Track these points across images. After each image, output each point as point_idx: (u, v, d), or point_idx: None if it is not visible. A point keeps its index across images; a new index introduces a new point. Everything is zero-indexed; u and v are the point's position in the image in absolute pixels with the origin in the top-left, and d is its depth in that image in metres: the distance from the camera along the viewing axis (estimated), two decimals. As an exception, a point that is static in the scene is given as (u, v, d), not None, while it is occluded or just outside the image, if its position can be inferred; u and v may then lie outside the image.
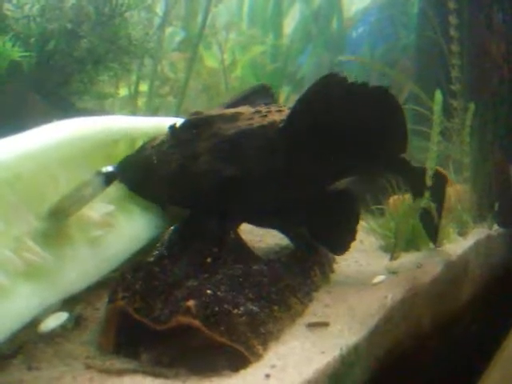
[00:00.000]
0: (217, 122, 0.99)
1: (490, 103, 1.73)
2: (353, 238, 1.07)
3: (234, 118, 1.00)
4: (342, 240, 1.08)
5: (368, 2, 2.55)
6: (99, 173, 0.86)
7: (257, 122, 0.98)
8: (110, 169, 0.87)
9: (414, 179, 1.14)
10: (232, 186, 0.96)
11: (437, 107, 1.23)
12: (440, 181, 1.18)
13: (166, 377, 0.75)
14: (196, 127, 0.99)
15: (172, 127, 1.00)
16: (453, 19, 1.51)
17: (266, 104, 1.05)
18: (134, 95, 2.12)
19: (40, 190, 0.84)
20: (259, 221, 1.09)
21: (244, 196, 0.99)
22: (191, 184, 0.97)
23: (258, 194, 0.99)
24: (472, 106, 1.50)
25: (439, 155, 1.42)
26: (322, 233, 1.08)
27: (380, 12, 2.49)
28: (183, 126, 1.00)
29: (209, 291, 0.81)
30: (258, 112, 1.01)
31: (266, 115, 1.00)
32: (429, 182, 1.15)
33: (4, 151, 0.81)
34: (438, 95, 1.23)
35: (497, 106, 1.75)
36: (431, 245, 1.26)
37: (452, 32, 1.53)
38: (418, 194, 1.16)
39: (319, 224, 1.07)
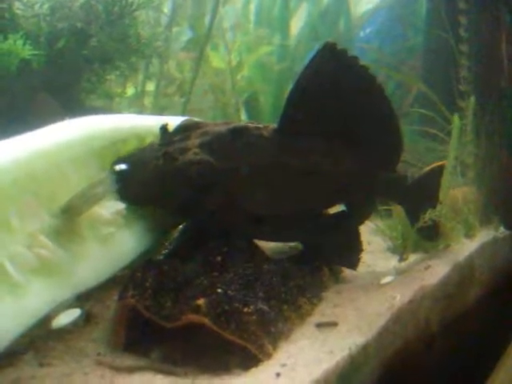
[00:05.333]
0: (208, 125, 0.99)
1: (497, 104, 1.73)
2: (360, 252, 1.08)
3: (226, 123, 1.00)
4: (351, 256, 1.08)
5: (376, 2, 2.55)
6: (111, 171, 0.86)
7: (250, 124, 0.98)
8: (122, 167, 0.87)
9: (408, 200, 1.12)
10: (223, 180, 0.93)
11: (454, 135, 1.22)
12: (434, 176, 1.16)
13: (176, 374, 0.75)
14: (187, 130, 0.97)
15: (163, 128, 0.98)
16: (462, 19, 1.51)
17: None
18: (141, 94, 2.12)
19: (52, 188, 0.84)
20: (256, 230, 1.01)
21: (238, 194, 0.94)
22: (179, 176, 0.91)
23: (251, 193, 0.95)
24: (472, 100, 1.50)
25: (444, 156, 1.42)
26: (329, 254, 1.06)
27: (388, 12, 2.48)
28: (174, 129, 0.98)
29: (219, 290, 0.81)
30: (251, 123, 1.01)
31: (259, 123, 0.99)
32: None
33: (17, 149, 0.82)
34: (457, 120, 1.22)
35: (504, 108, 1.74)
36: (439, 246, 1.26)
37: (461, 32, 1.53)
38: (413, 216, 1.14)
39: (324, 246, 1.05)
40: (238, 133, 0.95)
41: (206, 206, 0.94)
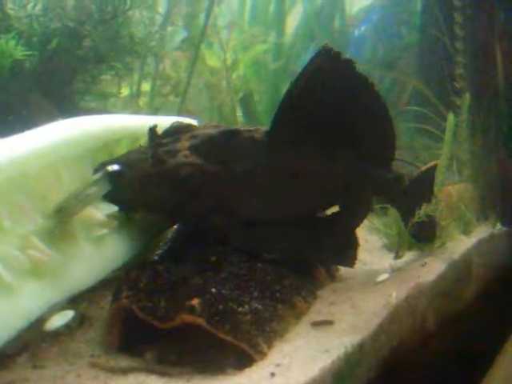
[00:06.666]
0: (198, 128, 0.98)
1: (492, 101, 1.73)
2: (356, 249, 1.05)
3: (217, 126, 0.99)
4: (347, 254, 1.05)
5: (370, 0, 2.55)
6: (104, 171, 0.86)
7: (242, 127, 0.97)
8: (115, 167, 0.87)
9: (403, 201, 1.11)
10: (214, 183, 0.91)
11: (448, 131, 1.21)
12: (428, 177, 1.15)
13: (170, 375, 0.75)
14: (176, 132, 0.95)
15: (152, 130, 0.96)
16: (458, 17, 1.51)
17: None
18: (136, 95, 2.12)
19: (45, 189, 0.84)
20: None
21: (229, 197, 0.93)
22: (169, 178, 0.89)
23: (242, 197, 0.93)
24: (467, 97, 1.49)
25: (440, 153, 1.41)
26: (325, 254, 1.04)
27: (383, 10, 2.49)
28: (164, 131, 0.97)
29: (213, 289, 0.81)
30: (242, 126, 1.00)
31: (251, 126, 0.98)
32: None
33: (9, 150, 0.81)
34: (451, 117, 1.22)
35: (500, 105, 1.74)
36: (435, 244, 1.26)
37: (456, 30, 1.53)
38: (407, 218, 1.13)
39: (320, 249, 1.02)
40: (228, 135, 0.94)
41: (196, 209, 0.93)
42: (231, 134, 0.94)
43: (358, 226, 1.08)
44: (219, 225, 0.94)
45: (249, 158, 0.93)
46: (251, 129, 0.96)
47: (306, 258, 1.02)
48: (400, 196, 1.10)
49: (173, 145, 0.93)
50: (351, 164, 1.00)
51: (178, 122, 1.01)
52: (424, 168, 1.15)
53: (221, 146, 0.93)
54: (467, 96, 1.50)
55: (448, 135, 1.23)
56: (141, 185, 0.90)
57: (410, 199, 1.11)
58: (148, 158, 0.91)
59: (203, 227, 0.96)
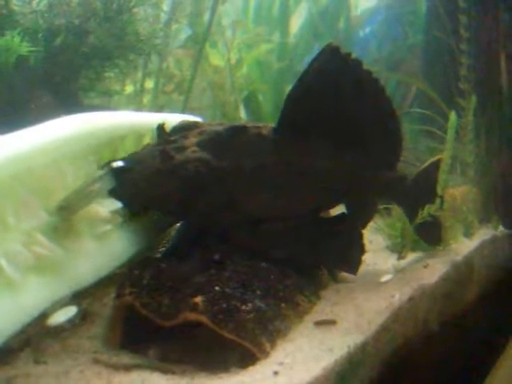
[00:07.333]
0: (206, 125, 0.98)
1: (496, 103, 1.73)
2: (362, 253, 1.03)
3: (223, 123, 0.99)
4: (351, 260, 1.03)
5: (375, 1, 2.55)
6: (109, 168, 0.86)
7: (249, 123, 0.98)
8: (119, 164, 0.87)
9: (408, 200, 1.11)
10: (221, 179, 0.91)
11: (450, 130, 1.21)
12: (431, 172, 1.15)
13: (173, 373, 0.75)
14: (184, 130, 0.95)
15: (160, 127, 0.96)
16: (463, 18, 1.51)
17: None
18: (140, 92, 2.12)
19: (49, 185, 0.84)
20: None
21: (236, 193, 0.92)
22: (177, 174, 0.89)
23: (249, 193, 0.93)
24: (473, 99, 1.49)
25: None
26: (330, 258, 1.02)
27: (387, 11, 2.49)
28: (172, 129, 0.97)
29: (217, 288, 0.81)
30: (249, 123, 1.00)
31: (258, 122, 0.98)
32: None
33: (13, 146, 0.81)
34: (453, 117, 1.21)
35: (504, 107, 1.74)
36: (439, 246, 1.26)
37: (461, 31, 1.53)
38: (412, 216, 1.12)
39: (324, 251, 1.00)
40: (235, 131, 0.94)
41: (203, 206, 0.92)
42: (239, 131, 0.94)
43: (364, 227, 1.08)
44: (224, 221, 0.94)
45: (256, 154, 0.93)
46: (259, 125, 0.96)
47: (308, 257, 1.01)
48: (404, 195, 1.10)
49: (181, 141, 0.93)
50: (357, 163, 1.00)
51: (185, 119, 1.01)
52: (426, 165, 1.16)
53: (228, 142, 0.93)
54: (473, 98, 1.49)
55: (450, 134, 1.22)
56: (147, 180, 0.90)
57: (413, 197, 1.11)
58: (156, 155, 0.91)
59: (208, 224, 0.96)
